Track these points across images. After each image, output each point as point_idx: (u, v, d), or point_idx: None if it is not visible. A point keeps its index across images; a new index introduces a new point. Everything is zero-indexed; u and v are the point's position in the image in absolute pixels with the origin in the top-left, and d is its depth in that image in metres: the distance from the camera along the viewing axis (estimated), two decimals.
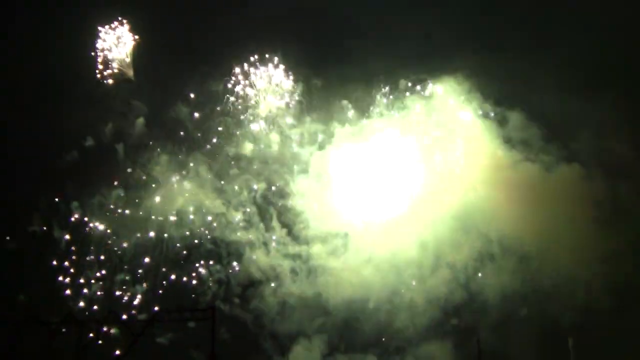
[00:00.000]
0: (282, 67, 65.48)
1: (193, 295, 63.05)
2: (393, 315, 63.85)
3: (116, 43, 65.15)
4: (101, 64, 64.58)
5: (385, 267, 64.01)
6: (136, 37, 65.85)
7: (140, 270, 62.43)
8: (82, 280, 61.44)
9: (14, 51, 63.60)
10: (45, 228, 61.82)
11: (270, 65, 65.30)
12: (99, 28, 65.13)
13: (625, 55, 66.52)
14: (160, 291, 62.71)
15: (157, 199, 63.56)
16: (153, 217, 63.25)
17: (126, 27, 65.60)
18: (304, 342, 63.30)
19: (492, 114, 66.54)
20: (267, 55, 65.32)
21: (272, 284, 64.00)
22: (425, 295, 63.73)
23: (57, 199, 62.40)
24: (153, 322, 50.54)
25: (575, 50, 66.29)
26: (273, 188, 65.64)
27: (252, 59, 65.17)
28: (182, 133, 65.22)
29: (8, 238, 60.98)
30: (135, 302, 61.68)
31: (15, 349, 47.27)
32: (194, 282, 63.58)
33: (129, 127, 64.38)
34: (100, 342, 50.93)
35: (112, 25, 65.52)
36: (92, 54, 64.68)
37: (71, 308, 58.82)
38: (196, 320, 53.62)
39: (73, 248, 62.04)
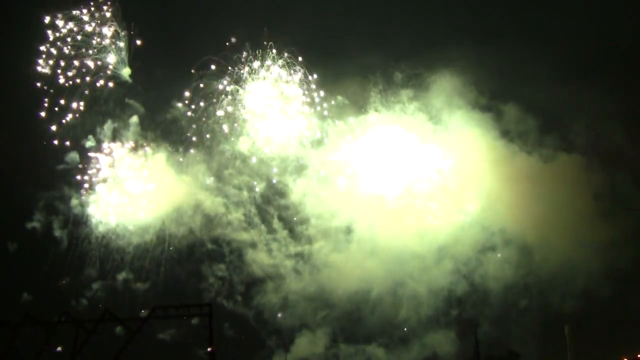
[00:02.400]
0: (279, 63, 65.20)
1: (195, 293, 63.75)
2: (396, 306, 64.41)
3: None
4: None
5: (388, 260, 64.61)
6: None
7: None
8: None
9: None
10: (44, 226, 62.29)
11: (266, 61, 65.07)
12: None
13: (619, 44, 66.44)
14: (162, 289, 63.51)
15: (155, 197, 63.77)
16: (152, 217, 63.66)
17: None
18: (307, 334, 63.85)
19: (488, 107, 66.79)
20: (260, 51, 64.95)
21: (275, 282, 64.50)
22: (427, 287, 64.31)
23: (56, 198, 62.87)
24: (150, 318, 50.64)
25: (569, 40, 66.47)
26: (273, 187, 65.83)
27: (245, 54, 64.80)
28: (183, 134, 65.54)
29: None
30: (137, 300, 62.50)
31: (12, 348, 47.38)
32: (197, 279, 64.31)
33: (125, 127, 64.49)
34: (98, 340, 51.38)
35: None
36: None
37: (68, 307, 58.78)
38: (193, 317, 53.73)
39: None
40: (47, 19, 62.78)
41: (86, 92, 63.12)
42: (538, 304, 64.49)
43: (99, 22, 63.70)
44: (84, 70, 63.35)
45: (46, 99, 62.40)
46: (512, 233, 64.92)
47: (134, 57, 64.31)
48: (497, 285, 64.29)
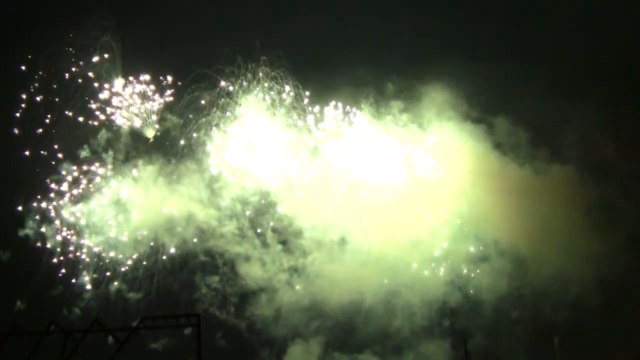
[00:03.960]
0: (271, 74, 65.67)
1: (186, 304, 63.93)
2: (390, 316, 64.63)
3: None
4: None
5: (382, 270, 64.99)
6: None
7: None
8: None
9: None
10: (36, 234, 62.20)
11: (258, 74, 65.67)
12: None
13: (608, 58, 66.93)
14: (154, 299, 63.51)
15: (148, 208, 64.05)
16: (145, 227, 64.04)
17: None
18: (300, 343, 63.90)
19: (479, 120, 67.32)
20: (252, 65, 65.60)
21: (268, 294, 64.68)
22: (421, 297, 64.58)
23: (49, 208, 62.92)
24: (138, 329, 50.68)
25: (559, 55, 67.02)
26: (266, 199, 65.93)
27: (235, 71, 65.43)
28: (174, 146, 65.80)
29: None
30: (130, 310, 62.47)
31: None
32: (190, 290, 64.40)
33: (117, 137, 64.72)
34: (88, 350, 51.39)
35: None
36: None
37: (60, 317, 59.16)
38: (182, 327, 53.79)
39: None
40: None
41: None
42: (530, 314, 64.85)
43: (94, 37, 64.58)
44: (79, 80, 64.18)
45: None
46: (506, 244, 65.14)
47: (125, 66, 64.83)
48: (490, 296, 64.60)
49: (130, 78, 64.46)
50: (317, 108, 66.10)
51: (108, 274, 63.03)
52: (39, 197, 62.66)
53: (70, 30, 63.19)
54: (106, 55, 63.73)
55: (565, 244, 64.18)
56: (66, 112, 63.28)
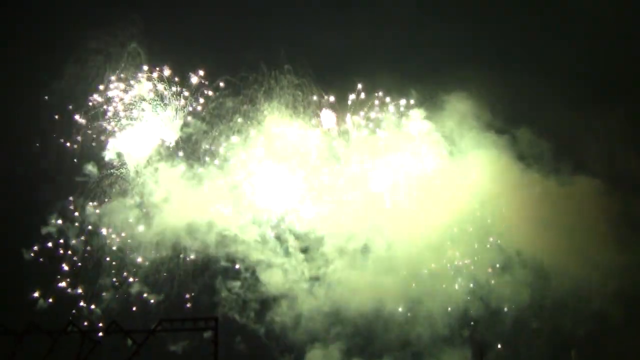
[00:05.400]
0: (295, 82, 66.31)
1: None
2: (411, 324, 64.50)
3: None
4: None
5: (404, 278, 65.04)
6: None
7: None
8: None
9: None
10: (59, 233, 63.02)
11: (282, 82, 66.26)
12: None
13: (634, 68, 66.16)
14: (175, 302, 63.78)
15: (171, 211, 64.44)
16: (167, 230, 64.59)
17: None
18: (320, 348, 63.95)
19: (502, 130, 67.33)
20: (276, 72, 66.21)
21: (289, 301, 64.85)
22: (442, 306, 64.62)
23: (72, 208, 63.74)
24: (155, 331, 51.12)
25: (582, 64, 66.43)
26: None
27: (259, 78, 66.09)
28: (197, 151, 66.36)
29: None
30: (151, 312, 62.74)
31: (14, 358, 47.87)
32: (210, 293, 64.63)
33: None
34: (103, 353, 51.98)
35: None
36: None
37: (80, 317, 60.18)
38: (199, 330, 54.05)
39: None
40: None
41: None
42: (550, 326, 64.32)
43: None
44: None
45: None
46: (528, 255, 64.94)
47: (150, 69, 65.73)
48: (511, 307, 64.42)
49: (155, 83, 65.39)
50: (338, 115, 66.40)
51: (128, 275, 63.54)
52: (63, 197, 63.59)
53: (99, 36, 64.29)
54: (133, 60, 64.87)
55: (587, 257, 63.60)
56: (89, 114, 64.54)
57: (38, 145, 63.66)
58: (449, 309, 64.49)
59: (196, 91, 65.42)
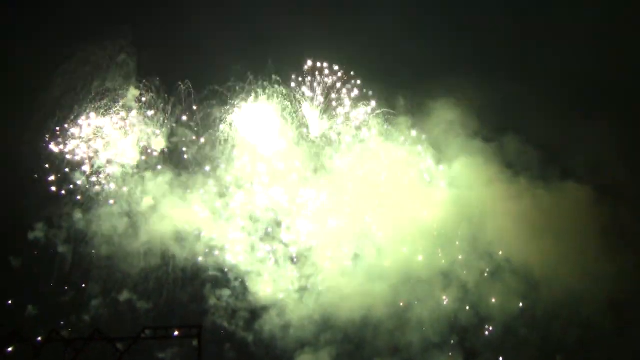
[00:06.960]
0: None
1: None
2: (401, 330, 64.60)
3: None
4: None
5: (394, 285, 65.07)
6: None
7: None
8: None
9: None
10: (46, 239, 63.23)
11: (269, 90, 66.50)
12: None
13: (620, 78, 66.38)
14: (163, 310, 63.82)
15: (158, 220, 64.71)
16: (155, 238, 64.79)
17: None
18: (309, 353, 64.05)
19: (489, 138, 67.84)
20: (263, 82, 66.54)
21: (279, 309, 64.93)
22: (432, 313, 64.74)
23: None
24: (138, 339, 51.23)
25: (569, 74, 66.65)
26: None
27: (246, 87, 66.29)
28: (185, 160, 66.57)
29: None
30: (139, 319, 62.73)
31: None
32: (198, 302, 64.72)
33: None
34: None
35: None
36: None
37: (67, 325, 60.31)
38: (183, 338, 54.08)
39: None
40: None
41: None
42: (539, 334, 64.57)
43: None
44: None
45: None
46: (518, 263, 65.20)
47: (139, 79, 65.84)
48: (501, 314, 64.52)
49: (144, 92, 65.67)
50: (327, 123, 66.64)
51: (116, 283, 63.62)
52: (50, 204, 63.61)
53: (87, 47, 64.61)
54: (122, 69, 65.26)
55: (577, 264, 63.67)
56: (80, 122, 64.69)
57: (25, 152, 63.73)
58: (439, 315, 64.57)
59: (184, 101, 65.75)
